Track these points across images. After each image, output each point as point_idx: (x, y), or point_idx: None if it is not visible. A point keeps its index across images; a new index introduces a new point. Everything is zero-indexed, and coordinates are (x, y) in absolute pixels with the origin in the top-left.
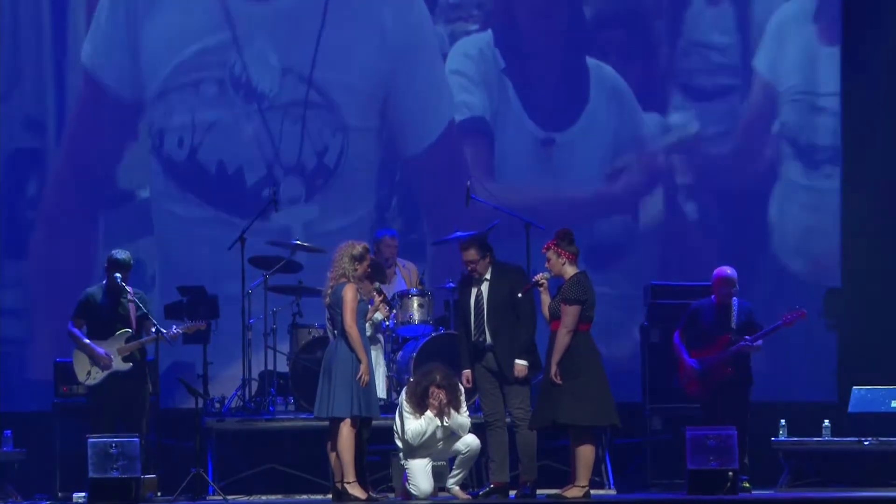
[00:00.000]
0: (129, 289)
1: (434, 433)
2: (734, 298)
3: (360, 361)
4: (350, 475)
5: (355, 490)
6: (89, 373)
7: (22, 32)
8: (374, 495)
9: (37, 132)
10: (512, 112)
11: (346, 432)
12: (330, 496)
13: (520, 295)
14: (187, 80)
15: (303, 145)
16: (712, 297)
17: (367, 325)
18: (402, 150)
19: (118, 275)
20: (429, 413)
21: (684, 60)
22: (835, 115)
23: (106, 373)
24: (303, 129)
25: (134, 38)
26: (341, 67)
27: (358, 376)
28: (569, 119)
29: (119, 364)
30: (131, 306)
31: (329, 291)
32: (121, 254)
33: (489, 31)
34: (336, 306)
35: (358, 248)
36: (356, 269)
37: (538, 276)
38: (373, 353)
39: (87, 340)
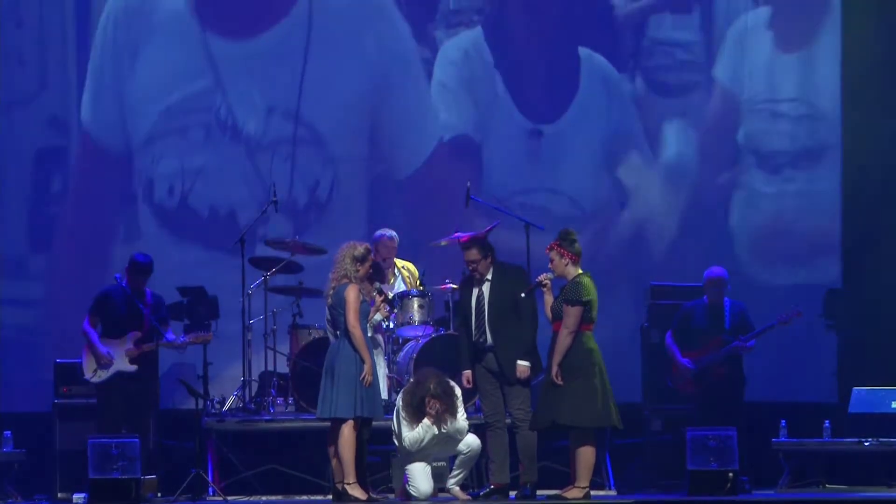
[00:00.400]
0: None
1: (431, 439)
2: (726, 299)
3: (363, 362)
4: (350, 476)
5: (356, 491)
6: (95, 371)
7: (48, 33)
8: (374, 496)
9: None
10: (501, 110)
11: (347, 433)
12: (330, 497)
13: (522, 295)
14: (174, 127)
15: (293, 182)
16: (704, 297)
17: (367, 325)
18: (393, 174)
19: (118, 275)
20: (426, 421)
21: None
22: (793, 121)
23: (111, 372)
24: (292, 165)
25: (120, 87)
26: (326, 100)
27: (362, 376)
28: (559, 111)
29: (124, 365)
30: (148, 310)
31: (331, 292)
32: (140, 257)
33: (478, 28)
34: (338, 307)
35: (360, 249)
36: (358, 270)
37: (541, 277)
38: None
39: (95, 339)
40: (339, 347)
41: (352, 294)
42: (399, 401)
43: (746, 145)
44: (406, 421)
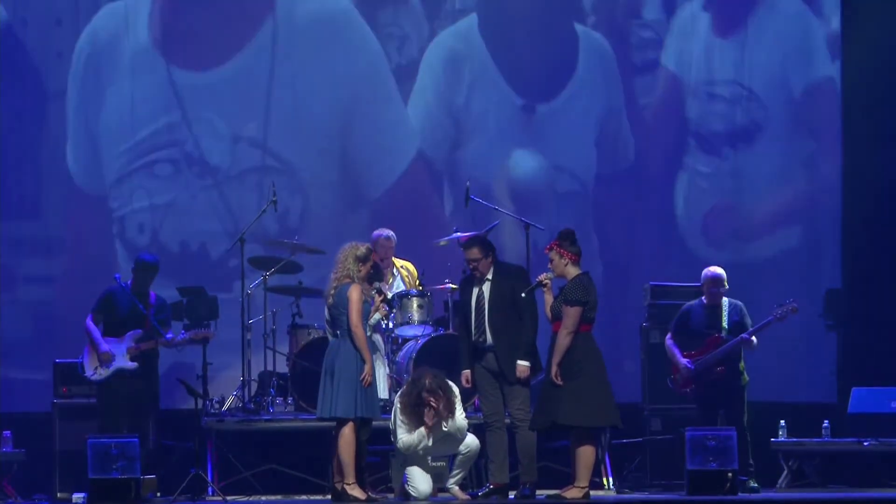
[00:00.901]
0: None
1: (427, 444)
2: (724, 298)
3: (364, 362)
4: (350, 476)
5: (355, 491)
6: (96, 368)
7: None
8: (374, 496)
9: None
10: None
11: (346, 433)
12: (329, 497)
13: (523, 295)
14: (142, 164)
15: (262, 211)
16: (702, 297)
17: (367, 326)
18: (365, 196)
19: (118, 275)
20: (421, 429)
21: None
22: (730, 103)
23: (112, 370)
24: (259, 195)
25: (94, 128)
26: (294, 126)
27: (362, 377)
28: (554, 90)
29: (124, 362)
30: (151, 310)
31: (333, 292)
32: (147, 256)
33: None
34: (340, 306)
35: (362, 250)
36: (360, 270)
37: (541, 276)
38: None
39: (97, 336)
40: (339, 347)
41: (355, 294)
42: (396, 402)
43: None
44: (403, 423)
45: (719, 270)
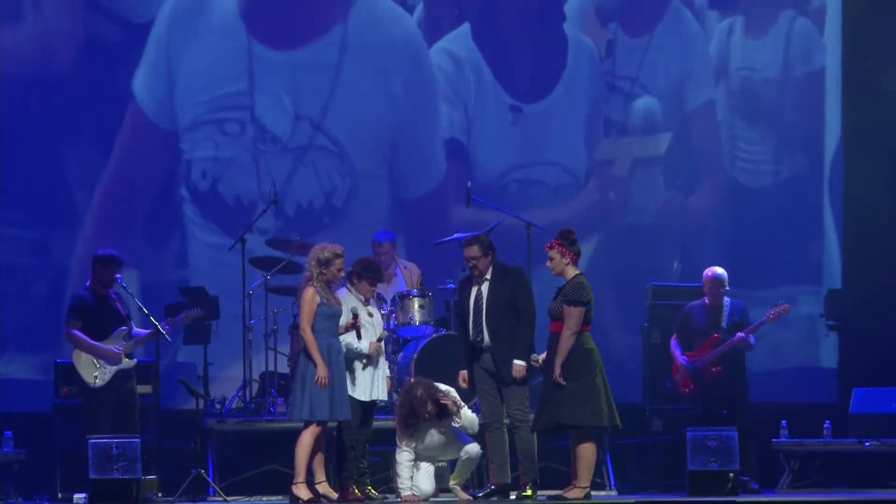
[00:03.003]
0: (112, 291)
1: (427, 454)
2: (726, 298)
3: (315, 365)
4: (298, 476)
5: (299, 491)
6: (96, 376)
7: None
8: (378, 495)
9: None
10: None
11: (302, 434)
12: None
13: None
14: (213, 119)
15: (312, 185)
16: (704, 298)
17: (368, 344)
18: (404, 196)
19: (119, 275)
20: (417, 467)
21: None
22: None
23: (111, 373)
24: (310, 171)
25: (172, 73)
26: (351, 119)
27: (315, 380)
28: (545, 91)
29: (126, 362)
30: (118, 304)
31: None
32: (109, 251)
33: (466, 25)
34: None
35: (326, 253)
36: (323, 273)
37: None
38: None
39: (93, 341)
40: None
41: (306, 297)
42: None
43: None
44: (400, 436)
45: (720, 271)
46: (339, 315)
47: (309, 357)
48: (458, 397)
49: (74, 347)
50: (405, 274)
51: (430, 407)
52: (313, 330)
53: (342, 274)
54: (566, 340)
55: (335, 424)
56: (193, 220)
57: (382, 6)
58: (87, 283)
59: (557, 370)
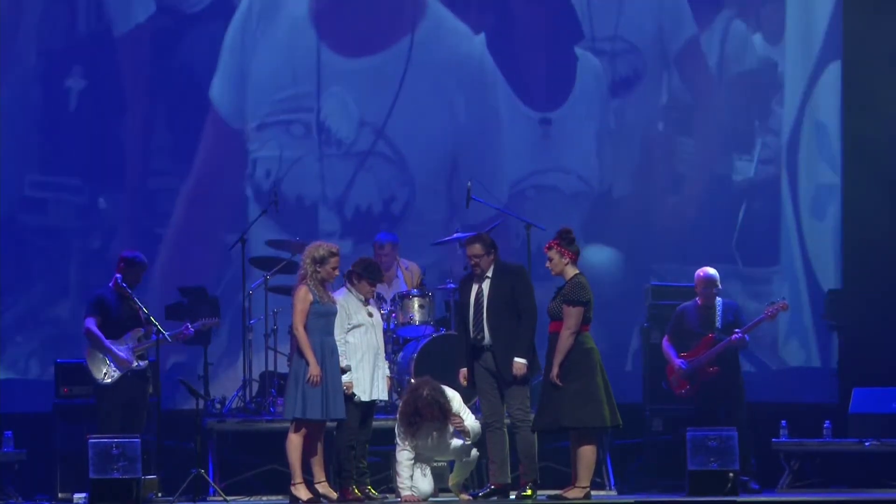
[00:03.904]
0: (128, 291)
1: (423, 455)
2: (718, 299)
3: (308, 364)
4: (295, 477)
5: (298, 491)
6: (106, 373)
7: None
8: (378, 495)
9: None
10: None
11: (290, 435)
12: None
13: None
14: (280, 120)
15: (371, 190)
16: (696, 298)
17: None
18: (462, 216)
19: (119, 275)
20: (417, 469)
21: None
22: None
23: (123, 372)
24: (374, 177)
25: (244, 75)
26: (412, 130)
27: (307, 379)
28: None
29: (138, 363)
30: (139, 306)
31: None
32: (136, 253)
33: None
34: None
35: (321, 251)
36: (317, 272)
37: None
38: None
39: (108, 343)
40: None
41: (299, 295)
42: (398, 410)
43: None
44: (401, 434)
45: (712, 271)
46: (334, 313)
47: (302, 355)
48: (462, 403)
49: (88, 344)
50: (406, 275)
51: (435, 408)
52: (307, 328)
53: (337, 272)
54: (565, 340)
55: (334, 424)
56: (255, 217)
57: (449, 23)
58: (111, 284)
59: (555, 370)
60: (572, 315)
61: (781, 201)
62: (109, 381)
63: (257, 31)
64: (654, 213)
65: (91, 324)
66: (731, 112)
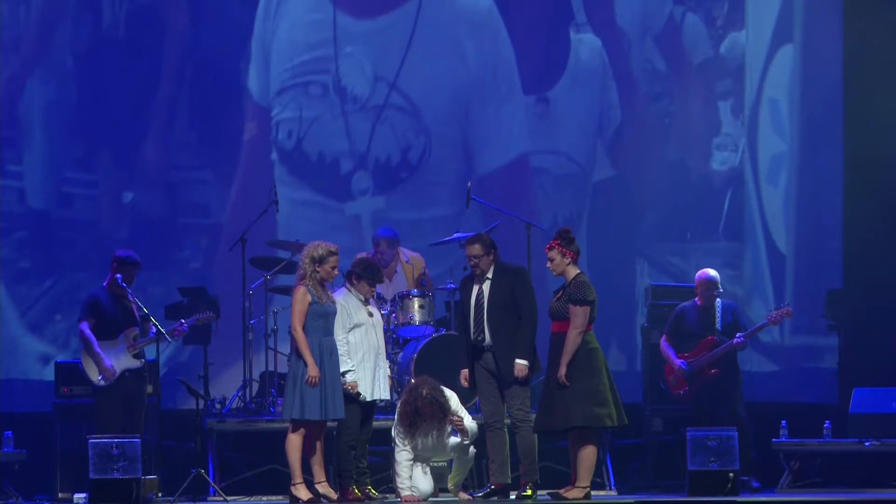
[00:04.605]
0: (126, 290)
1: (422, 454)
2: (718, 300)
3: (306, 365)
4: (295, 478)
5: (298, 492)
6: (102, 375)
7: None
8: (378, 495)
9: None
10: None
11: (289, 435)
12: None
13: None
14: (298, 82)
15: (390, 142)
16: (696, 299)
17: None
18: (477, 167)
19: (119, 275)
20: (416, 468)
21: None
22: None
23: (119, 372)
24: (391, 128)
25: (267, 48)
26: (426, 81)
27: (306, 379)
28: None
29: (131, 361)
30: (133, 306)
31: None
32: (130, 253)
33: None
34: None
35: (320, 250)
36: (316, 271)
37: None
38: (359, 355)
39: (98, 349)
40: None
41: (297, 295)
42: (397, 411)
43: None
44: (399, 433)
45: (713, 273)
46: (333, 313)
47: (300, 356)
48: (459, 403)
49: (82, 346)
50: (407, 269)
51: (435, 408)
52: (305, 329)
53: (336, 272)
54: (573, 340)
55: (335, 424)
56: (281, 178)
57: None
58: (104, 283)
59: (563, 370)
60: (579, 314)
61: (744, 175)
62: (107, 382)
63: (278, 14)
64: (641, 196)
65: (84, 327)
66: (706, 98)
